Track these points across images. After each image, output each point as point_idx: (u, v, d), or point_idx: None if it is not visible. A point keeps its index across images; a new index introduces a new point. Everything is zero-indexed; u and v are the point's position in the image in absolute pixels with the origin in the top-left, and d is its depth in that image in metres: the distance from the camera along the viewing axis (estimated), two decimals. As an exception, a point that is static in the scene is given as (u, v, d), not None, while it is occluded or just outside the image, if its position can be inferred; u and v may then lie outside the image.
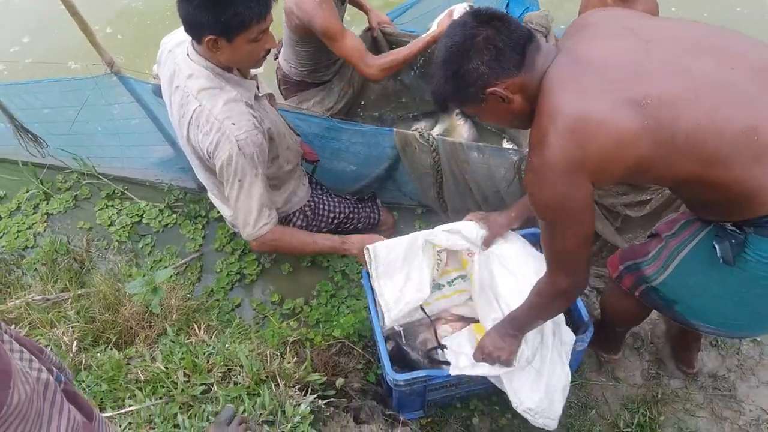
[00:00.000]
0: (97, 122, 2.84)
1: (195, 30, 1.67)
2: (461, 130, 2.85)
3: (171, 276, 2.25)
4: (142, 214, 2.92)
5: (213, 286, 2.62)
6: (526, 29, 1.37)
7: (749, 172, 1.21)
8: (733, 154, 1.21)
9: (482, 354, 1.76)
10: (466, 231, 2.00)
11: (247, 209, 1.85)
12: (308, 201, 2.23)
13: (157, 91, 2.28)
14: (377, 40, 2.83)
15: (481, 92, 1.35)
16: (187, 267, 2.74)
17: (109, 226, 2.89)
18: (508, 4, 2.85)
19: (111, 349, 1.85)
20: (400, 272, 1.99)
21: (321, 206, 2.29)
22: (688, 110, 1.21)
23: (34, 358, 0.82)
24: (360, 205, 2.43)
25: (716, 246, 1.39)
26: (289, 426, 1.53)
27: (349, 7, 2.72)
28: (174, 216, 2.91)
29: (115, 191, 3.02)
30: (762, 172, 1.21)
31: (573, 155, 1.25)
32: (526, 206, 1.95)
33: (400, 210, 2.80)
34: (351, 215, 2.35)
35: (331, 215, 2.28)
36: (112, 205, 2.96)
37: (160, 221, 2.89)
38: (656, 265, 1.63)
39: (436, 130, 2.90)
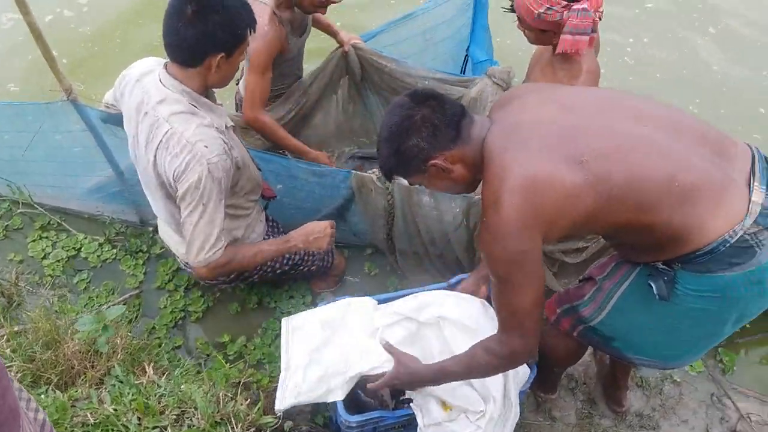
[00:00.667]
0: (38, 149, 2.74)
1: (200, 51, 1.69)
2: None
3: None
4: (80, 248, 2.81)
5: (155, 323, 2.55)
6: (460, 105, 1.52)
7: (675, 215, 1.36)
8: (659, 200, 1.35)
9: (390, 382, 1.76)
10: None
11: (206, 234, 1.82)
12: (264, 239, 2.24)
13: (108, 119, 2.26)
14: (348, 58, 2.91)
15: (423, 165, 1.49)
16: (125, 304, 2.65)
17: (42, 258, 2.77)
18: (469, 46, 3.02)
19: (53, 390, 1.77)
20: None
21: None
22: (619, 164, 1.35)
23: (31, 397, 0.81)
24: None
25: (652, 284, 1.51)
26: (247, 470, 1.52)
27: (320, 34, 2.82)
28: (114, 251, 2.82)
29: (51, 222, 2.90)
30: (685, 213, 1.35)
31: (526, 212, 1.35)
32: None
33: (350, 249, 2.85)
34: (306, 257, 2.37)
35: (287, 256, 2.30)
36: (47, 237, 2.84)
37: (98, 256, 2.80)
38: (593, 307, 1.75)
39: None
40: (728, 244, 1.36)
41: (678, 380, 2.45)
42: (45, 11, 4.16)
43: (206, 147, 1.73)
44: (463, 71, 3.39)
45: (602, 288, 1.72)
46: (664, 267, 1.49)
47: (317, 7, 2.42)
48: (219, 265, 1.90)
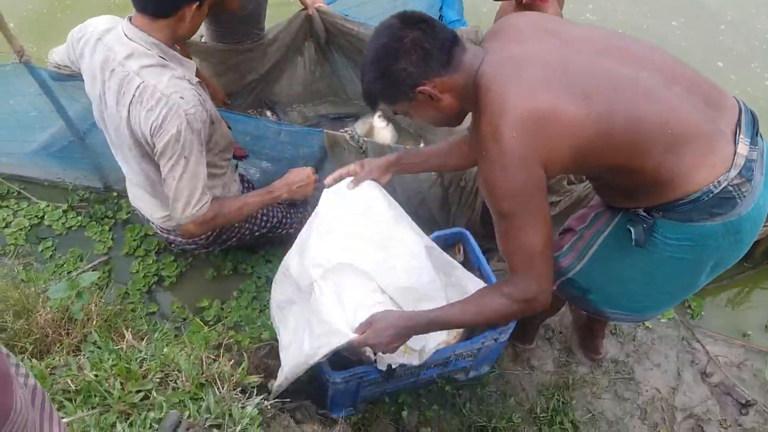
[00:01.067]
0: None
1: (171, 2, 1.63)
2: (383, 132, 2.93)
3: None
4: (43, 216, 2.72)
5: (128, 289, 2.49)
6: (452, 31, 1.43)
7: (664, 161, 1.35)
8: (652, 145, 1.34)
9: (372, 339, 1.56)
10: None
11: (191, 188, 1.77)
12: (240, 199, 2.19)
13: (57, 77, 2.16)
14: (313, 21, 2.84)
15: (411, 91, 1.41)
16: (94, 270, 2.58)
17: (3, 228, 2.66)
18: (441, 7, 2.96)
19: (29, 359, 1.72)
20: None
21: None
22: (620, 105, 1.32)
23: (19, 362, 0.77)
24: (292, 210, 2.42)
25: (631, 229, 1.50)
26: (238, 429, 1.50)
27: None
28: (78, 218, 2.73)
29: (10, 191, 2.78)
30: (673, 160, 1.35)
31: (528, 142, 1.29)
32: (410, 155, 1.93)
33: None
34: (284, 219, 2.33)
35: (264, 218, 2.26)
36: (7, 206, 2.73)
37: (63, 223, 2.70)
38: (572, 257, 1.76)
39: (357, 132, 2.95)
40: (712, 194, 1.37)
41: (650, 327, 2.52)
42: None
43: (182, 98, 1.67)
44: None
45: (583, 237, 1.73)
46: (644, 214, 1.49)
47: None
48: (206, 220, 1.85)
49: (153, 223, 2.15)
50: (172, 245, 2.26)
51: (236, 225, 2.20)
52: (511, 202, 1.35)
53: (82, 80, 1.89)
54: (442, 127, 2.05)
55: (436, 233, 2.17)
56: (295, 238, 2.21)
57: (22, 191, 2.79)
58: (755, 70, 3.94)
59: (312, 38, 2.98)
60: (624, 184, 1.49)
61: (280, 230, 2.36)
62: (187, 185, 1.76)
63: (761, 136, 1.45)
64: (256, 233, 2.29)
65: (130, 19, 1.72)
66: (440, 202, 2.56)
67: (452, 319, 1.55)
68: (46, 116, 2.48)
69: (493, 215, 1.42)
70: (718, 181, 1.36)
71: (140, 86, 1.67)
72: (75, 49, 1.85)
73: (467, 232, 2.20)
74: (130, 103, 1.69)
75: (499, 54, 1.41)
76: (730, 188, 1.37)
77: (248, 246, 2.59)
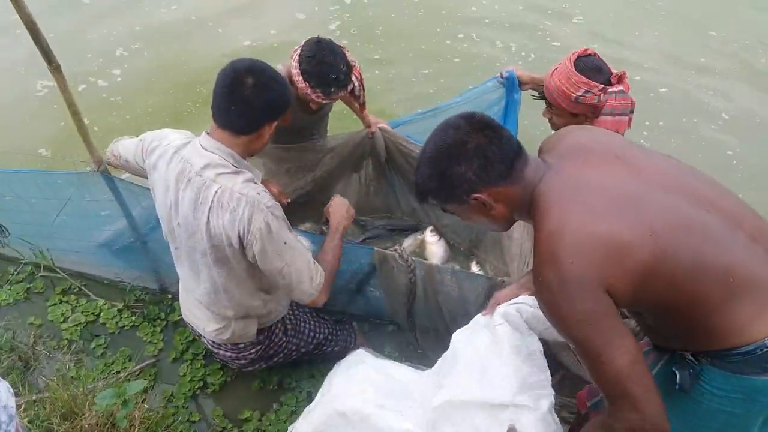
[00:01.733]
0: (63, 214, 2.78)
1: (261, 119, 1.80)
2: (434, 248, 2.98)
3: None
4: (99, 313, 2.80)
5: (173, 391, 2.49)
6: (517, 143, 1.43)
7: (721, 308, 1.30)
8: (712, 291, 1.30)
9: None
10: None
11: (306, 263, 1.89)
12: (288, 314, 2.23)
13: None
14: (375, 139, 2.92)
15: (465, 196, 1.41)
16: (141, 373, 2.61)
17: (61, 323, 2.76)
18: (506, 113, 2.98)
19: (70, 465, 1.73)
20: None
21: (303, 324, 2.28)
22: (686, 247, 1.28)
23: None
24: (338, 328, 2.45)
25: (677, 372, 1.43)
26: None
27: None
28: (132, 318, 2.81)
29: (72, 286, 2.90)
30: (730, 310, 1.30)
31: (585, 267, 1.24)
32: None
33: (371, 325, 2.81)
34: (330, 337, 2.35)
35: (311, 334, 2.28)
36: (67, 301, 2.84)
37: (116, 322, 2.78)
38: None
39: (409, 247, 3.00)
40: (766, 348, 1.31)
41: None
42: (78, 81, 4.33)
43: (258, 194, 1.78)
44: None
45: None
46: (691, 359, 1.43)
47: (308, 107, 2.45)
48: (326, 283, 1.97)
49: (204, 337, 2.18)
50: (223, 360, 2.27)
51: (283, 341, 2.22)
52: (578, 327, 1.28)
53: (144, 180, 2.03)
54: (489, 230, 2.03)
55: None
56: (340, 355, 2.22)
57: (83, 288, 2.90)
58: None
59: (371, 156, 3.06)
60: (675, 325, 1.43)
61: (325, 348, 2.37)
62: (300, 263, 1.86)
63: None
64: (302, 350, 2.30)
65: (208, 133, 1.85)
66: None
67: None
68: (114, 218, 2.63)
69: (570, 344, 1.35)
70: None
71: (218, 191, 1.77)
72: (146, 158, 1.97)
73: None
74: (210, 208, 1.77)
75: (562, 174, 1.39)
76: None
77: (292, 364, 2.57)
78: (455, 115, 1.44)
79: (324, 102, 2.37)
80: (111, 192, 2.41)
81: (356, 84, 2.45)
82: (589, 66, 2.04)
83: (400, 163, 3.00)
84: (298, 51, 2.30)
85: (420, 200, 1.53)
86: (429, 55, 4.91)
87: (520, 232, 2.57)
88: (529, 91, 2.54)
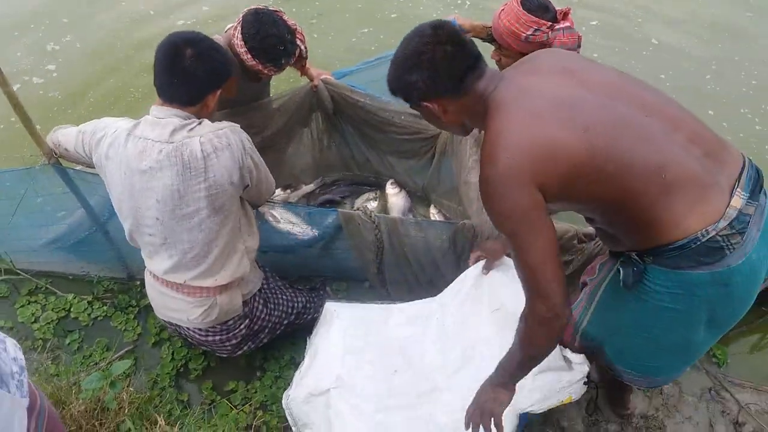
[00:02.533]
0: (18, 215, 2.72)
1: (205, 88, 1.82)
2: (395, 200, 3.06)
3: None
4: (70, 308, 2.78)
5: (158, 371, 2.52)
6: (474, 57, 1.49)
7: (655, 203, 1.40)
8: (646, 186, 1.39)
9: (476, 406, 1.65)
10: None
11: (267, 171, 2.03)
12: (263, 287, 2.26)
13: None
14: (319, 93, 2.88)
15: (416, 101, 1.53)
16: (121, 359, 2.61)
17: (32, 323, 2.72)
18: None
19: (65, 452, 1.75)
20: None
21: (280, 296, 2.32)
22: (619, 143, 1.38)
23: None
24: (314, 295, 2.51)
25: (620, 269, 1.54)
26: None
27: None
28: (104, 308, 2.79)
29: (38, 286, 2.86)
30: (664, 204, 1.39)
31: (519, 164, 1.35)
32: None
33: (349, 283, 2.87)
34: (308, 305, 2.40)
35: (290, 304, 2.33)
36: (36, 301, 2.80)
37: (89, 314, 2.76)
38: (581, 306, 1.79)
39: (372, 204, 3.05)
40: (699, 242, 1.40)
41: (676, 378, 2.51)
42: (14, 80, 4.17)
43: (230, 124, 1.85)
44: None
45: (590, 286, 1.77)
46: (636, 258, 1.52)
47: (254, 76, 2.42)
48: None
49: (189, 329, 2.11)
50: (211, 349, 2.27)
51: (264, 313, 2.25)
52: (506, 222, 1.40)
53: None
54: (448, 131, 2.16)
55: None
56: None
57: (49, 286, 2.86)
58: (746, 115, 4.07)
59: (319, 109, 3.02)
60: (614, 221, 1.52)
61: (306, 315, 2.42)
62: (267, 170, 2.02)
63: (766, 194, 1.48)
64: (285, 321, 2.33)
65: (155, 109, 1.84)
66: (453, 267, 2.62)
67: (509, 362, 1.57)
68: (71, 212, 2.59)
69: (496, 227, 1.47)
70: (706, 230, 1.39)
71: (202, 141, 1.77)
72: (92, 152, 1.94)
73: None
74: (205, 159, 1.77)
75: (512, 83, 1.48)
76: (719, 238, 1.40)
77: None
78: (429, 21, 1.51)
79: (277, 73, 2.38)
80: (66, 184, 2.38)
81: (302, 47, 2.45)
82: (536, 4, 2.09)
83: (349, 113, 2.99)
84: (239, 28, 2.27)
85: (392, 93, 1.60)
86: (366, 12, 4.97)
87: (477, 176, 2.65)
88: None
